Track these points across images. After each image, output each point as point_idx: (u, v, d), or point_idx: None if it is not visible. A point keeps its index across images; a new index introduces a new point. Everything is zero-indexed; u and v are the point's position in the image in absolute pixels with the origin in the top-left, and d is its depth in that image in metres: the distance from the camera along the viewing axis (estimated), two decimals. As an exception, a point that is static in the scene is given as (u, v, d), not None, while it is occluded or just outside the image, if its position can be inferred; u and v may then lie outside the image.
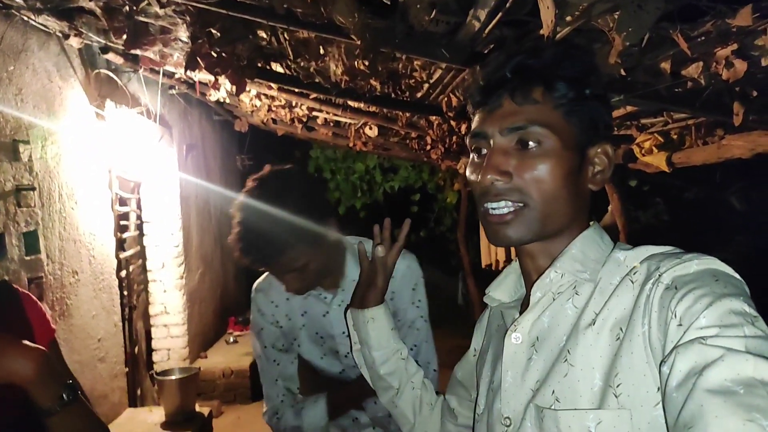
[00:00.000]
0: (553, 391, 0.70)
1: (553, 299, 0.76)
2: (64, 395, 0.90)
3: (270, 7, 1.85)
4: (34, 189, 2.54)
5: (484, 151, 0.77)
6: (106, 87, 3.29)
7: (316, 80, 2.73)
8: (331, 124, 4.49)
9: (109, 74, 3.29)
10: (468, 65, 1.85)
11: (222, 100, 4.12)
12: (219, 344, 5.27)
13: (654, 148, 2.56)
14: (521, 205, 0.73)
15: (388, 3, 1.56)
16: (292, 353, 1.55)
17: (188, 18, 2.13)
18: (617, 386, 0.65)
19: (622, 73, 1.66)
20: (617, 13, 1.30)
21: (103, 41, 2.86)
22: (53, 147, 2.71)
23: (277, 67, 2.88)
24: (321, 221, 1.33)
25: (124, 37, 2.47)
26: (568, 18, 1.42)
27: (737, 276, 0.64)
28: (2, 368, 0.86)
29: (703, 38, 1.46)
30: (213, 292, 5.48)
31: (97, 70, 3.18)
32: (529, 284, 0.80)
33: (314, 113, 4.10)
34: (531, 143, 0.72)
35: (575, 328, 0.72)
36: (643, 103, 1.87)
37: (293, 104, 3.90)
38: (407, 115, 3.23)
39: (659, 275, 0.66)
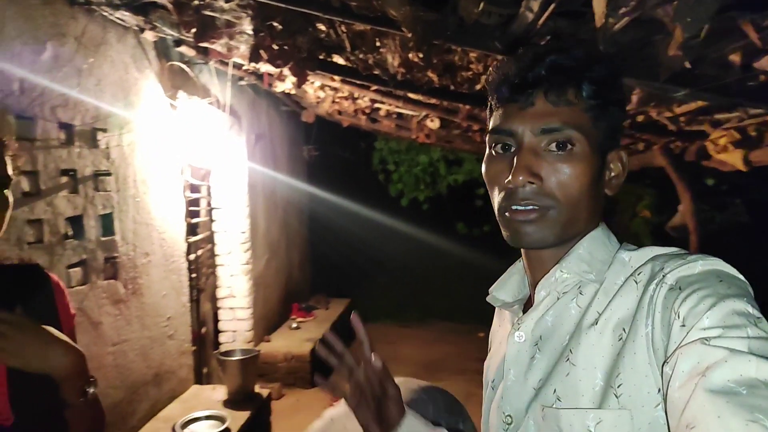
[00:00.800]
0: (555, 390, 0.71)
1: (558, 298, 0.77)
2: (87, 391, 0.97)
3: (326, 1, 1.89)
4: (110, 174, 2.72)
5: (508, 148, 0.75)
6: (179, 78, 3.46)
7: (375, 72, 2.75)
8: (394, 116, 4.51)
9: (182, 66, 3.46)
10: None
11: (288, 92, 4.24)
12: (282, 329, 5.44)
13: (729, 145, 2.40)
14: (548, 208, 0.73)
15: (439, -5, 1.56)
16: None
17: (250, 12, 2.20)
18: (618, 386, 0.65)
19: (687, 65, 1.57)
20: (675, 2, 1.23)
21: (177, 35, 3.01)
22: (129, 135, 2.89)
23: (338, 59, 2.93)
24: None
25: (193, 30, 2.59)
26: (623, 9, 1.36)
27: (741, 277, 0.64)
28: (46, 361, 0.93)
29: (775, 27, 1.35)
30: (278, 278, 5.66)
31: (170, 62, 3.35)
32: (534, 283, 0.80)
33: (376, 105, 4.13)
34: (565, 146, 0.72)
35: (578, 328, 0.72)
36: (712, 97, 1.75)
37: (356, 96, 3.95)
38: (468, 107, 3.19)
39: (663, 276, 0.66)
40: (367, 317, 7.40)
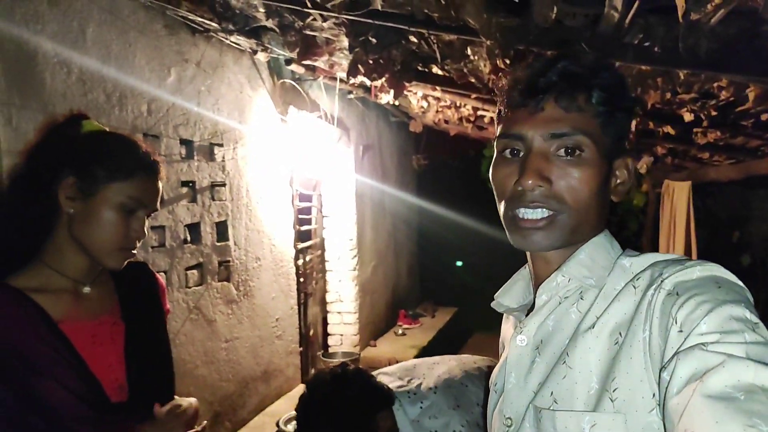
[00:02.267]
0: (552, 393, 0.72)
1: (559, 303, 0.77)
2: None
3: (411, 14, 1.94)
4: (225, 185, 2.98)
5: (517, 152, 0.77)
6: (290, 94, 3.70)
7: (471, 80, 2.75)
8: (499, 123, 4.44)
9: (293, 83, 3.69)
10: (616, 58, 1.72)
11: (392, 103, 4.35)
12: (388, 335, 5.54)
13: None
14: (556, 212, 0.74)
15: (516, 1, 1.53)
16: None
17: (344, 29, 2.31)
18: (614, 390, 0.65)
19: (803, 57, 1.41)
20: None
21: (286, 54, 3.23)
22: (243, 149, 3.15)
23: (435, 69, 2.96)
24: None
25: (297, 50, 2.76)
26: (717, 0, 1.25)
27: (740, 283, 0.64)
28: None
29: None
30: (385, 284, 5.79)
31: (282, 80, 3.59)
32: (538, 287, 0.81)
33: (480, 112, 4.10)
34: (574, 151, 0.73)
35: (576, 332, 0.73)
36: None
37: (458, 104, 3.95)
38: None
39: (661, 281, 0.66)
40: (478, 326, 7.30)
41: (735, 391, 0.51)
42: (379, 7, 1.88)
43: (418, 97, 4.00)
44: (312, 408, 1.48)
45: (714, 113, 2.39)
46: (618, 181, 0.78)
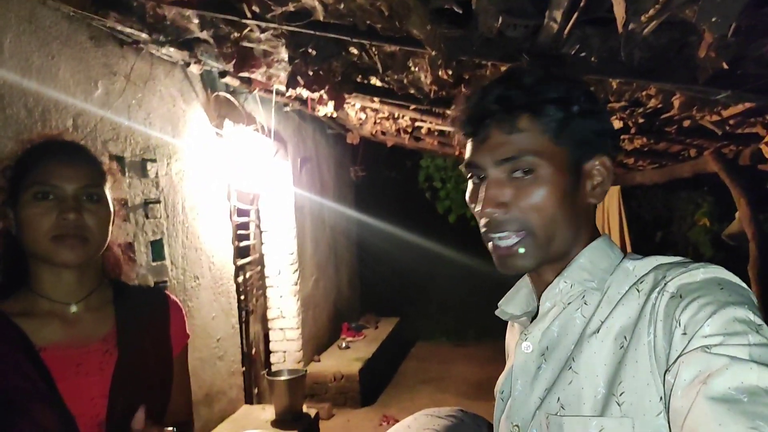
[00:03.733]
0: (559, 398, 0.71)
1: (563, 308, 0.77)
2: None
3: (353, 25, 1.92)
4: (159, 202, 2.85)
5: (483, 178, 0.78)
6: (225, 107, 3.60)
7: (411, 91, 2.77)
8: (436, 133, 4.51)
9: (227, 96, 3.59)
10: (553, 68, 1.78)
11: (331, 115, 4.32)
12: (332, 349, 5.47)
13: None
14: (524, 233, 0.75)
15: (460, 12, 1.56)
16: None
17: (284, 40, 2.27)
18: (620, 394, 0.65)
19: (725, 66, 1.50)
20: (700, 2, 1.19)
21: (221, 66, 3.14)
22: (177, 164, 3.02)
23: (375, 81, 2.97)
24: None
25: (233, 62, 2.69)
26: (651, 11, 1.32)
27: (743, 285, 0.64)
28: None
29: (815, 22, 1.28)
30: (327, 298, 5.72)
31: (216, 93, 3.49)
32: (539, 295, 0.81)
33: (417, 123, 4.15)
34: (524, 173, 0.74)
35: (581, 336, 0.73)
36: (757, 98, 1.67)
37: (396, 116, 3.98)
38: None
39: (665, 284, 0.66)
40: (420, 335, 7.34)
41: (738, 394, 0.51)
42: (321, 18, 1.86)
43: (356, 109, 4.00)
44: None
45: (641, 120, 2.52)
46: (595, 182, 0.78)
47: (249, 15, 1.88)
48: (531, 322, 0.83)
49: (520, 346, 0.80)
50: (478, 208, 0.77)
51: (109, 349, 1.11)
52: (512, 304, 0.89)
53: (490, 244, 0.78)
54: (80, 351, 1.07)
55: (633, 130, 2.66)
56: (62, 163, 1.08)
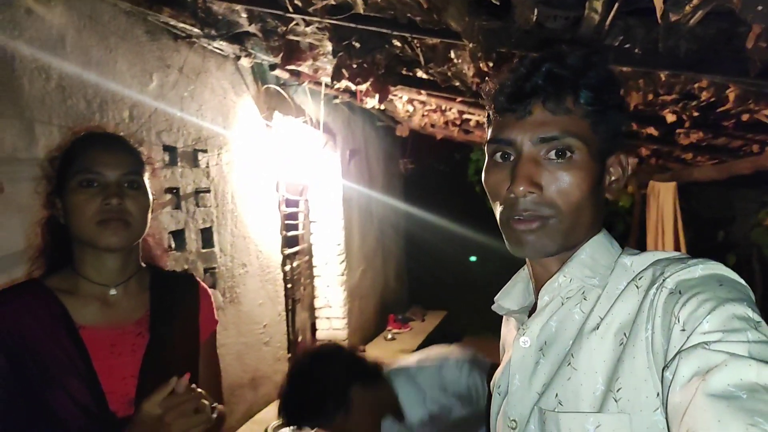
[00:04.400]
0: (557, 394, 0.71)
1: (562, 303, 0.77)
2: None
3: (394, 18, 1.93)
4: (210, 191, 2.95)
5: (508, 157, 0.76)
6: (275, 100, 3.68)
7: (455, 83, 2.75)
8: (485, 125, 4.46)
9: (277, 88, 3.68)
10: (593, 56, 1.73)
11: (379, 107, 4.35)
12: (378, 340, 5.52)
13: None
14: (551, 216, 0.73)
15: (498, 3, 1.54)
16: None
17: (327, 33, 2.30)
18: (618, 390, 0.65)
19: (779, 57, 1.42)
20: (748, -11, 1.13)
21: (270, 59, 3.21)
22: (227, 154, 3.12)
23: (420, 73, 2.97)
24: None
25: (281, 55, 2.75)
26: (695, 1, 1.26)
27: (742, 281, 0.64)
28: None
29: None
30: (374, 289, 5.77)
31: (266, 85, 3.57)
32: (538, 289, 0.81)
33: (465, 116, 4.11)
34: (564, 154, 0.72)
35: (580, 333, 0.72)
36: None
37: (444, 108, 3.96)
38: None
39: (663, 280, 0.66)
40: (468, 330, 7.30)
41: (737, 390, 0.51)
42: (362, 11, 1.87)
43: (403, 101, 4.00)
44: (290, 380, 1.55)
45: (696, 114, 2.41)
46: (612, 178, 0.78)
47: (291, 9, 1.92)
48: (528, 316, 0.83)
49: (517, 341, 0.79)
50: (505, 186, 0.75)
51: (142, 332, 1.18)
52: (509, 298, 0.88)
53: (508, 226, 0.76)
54: (115, 332, 1.14)
55: (687, 124, 2.55)
56: (105, 152, 1.15)
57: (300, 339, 4.21)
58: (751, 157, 3.08)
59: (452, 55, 2.31)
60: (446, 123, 4.45)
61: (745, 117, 2.35)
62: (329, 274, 4.80)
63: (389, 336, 5.55)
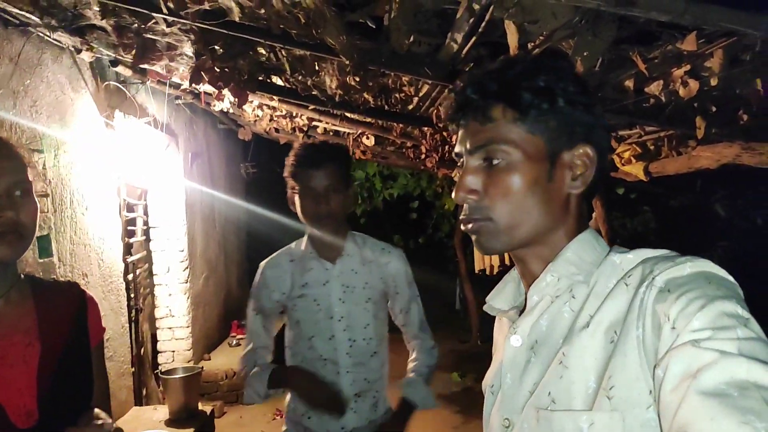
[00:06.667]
0: (549, 393, 0.72)
1: (551, 302, 0.78)
2: None
3: (267, 28, 2.01)
4: (47, 195, 2.70)
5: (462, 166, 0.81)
6: (116, 98, 3.46)
7: (314, 93, 2.88)
8: (331, 133, 4.65)
9: (118, 86, 3.46)
10: (449, 82, 2.00)
11: (226, 110, 4.29)
12: (222, 347, 5.40)
13: (632, 158, 2.70)
14: (486, 219, 0.76)
15: (373, 27, 1.72)
16: (282, 319, 1.84)
17: (192, 36, 2.28)
18: (610, 389, 0.65)
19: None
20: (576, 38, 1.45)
21: (113, 55, 3.02)
22: (65, 155, 2.88)
23: (277, 80, 3.04)
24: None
25: (133, 52, 2.63)
26: (537, 41, 1.57)
27: (731, 278, 0.65)
28: None
29: (657, 60, 1.60)
30: (217, 296, 5.63)
31: (106, 82, 3.35)
32: (527, 289, 0.82)
33: (314, 123, 4.26)
34: (494, 160, 0.75)
35: (570, 331, 0.73)
36: (613, 117, 2.01)
37: (294, 114, 4.06)
38: (400, 126, 3.38)
39: (653, 278, 0.66)
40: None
41: (728, 388, 0.51)
42: (237, 19, 1.92)
43: (253, 105, 4.02)
44: (313, 147, 1.70)
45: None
46: (577, 172, 0.77)
47: (165, 11, 1.89)
48: (519, 315, 0.83)
49: (509, 340, 0.80)
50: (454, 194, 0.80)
51: (32, 342, 1.13)
52: (499, 298, 0.89)
53: (462, 227, 0.81)
54: (2, 343, 1.09)
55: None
56: None
57: (143, 351, 3.98)
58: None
59: (316, 67, 2.44)
60: (293, 129, 4.55)
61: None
62: (171, 282, 4.60)
63: (233, 342, 5.45)
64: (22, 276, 1.23)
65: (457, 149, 0.81)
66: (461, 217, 0.81)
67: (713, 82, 1.55)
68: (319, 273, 1.76)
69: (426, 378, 1.81)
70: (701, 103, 1.84)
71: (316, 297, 1.74)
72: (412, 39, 1.72)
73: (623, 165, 2.75)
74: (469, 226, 0.78)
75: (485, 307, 0.90)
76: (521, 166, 0.75)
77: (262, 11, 1.77)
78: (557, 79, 0.76)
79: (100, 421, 1.12)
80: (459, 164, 0.82)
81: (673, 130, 2.21)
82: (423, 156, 4.12)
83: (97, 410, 1.18)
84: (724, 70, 1.54)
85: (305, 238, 1.82)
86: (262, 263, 1.89)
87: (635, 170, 2.69)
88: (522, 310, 0.84)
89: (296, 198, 1.70)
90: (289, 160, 1.72)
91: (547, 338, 0.76)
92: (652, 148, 2.61)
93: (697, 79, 1.61)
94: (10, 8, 2.29)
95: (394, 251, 1.87)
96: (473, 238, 0.80)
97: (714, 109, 1.88)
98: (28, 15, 2.35)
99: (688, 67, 1.61)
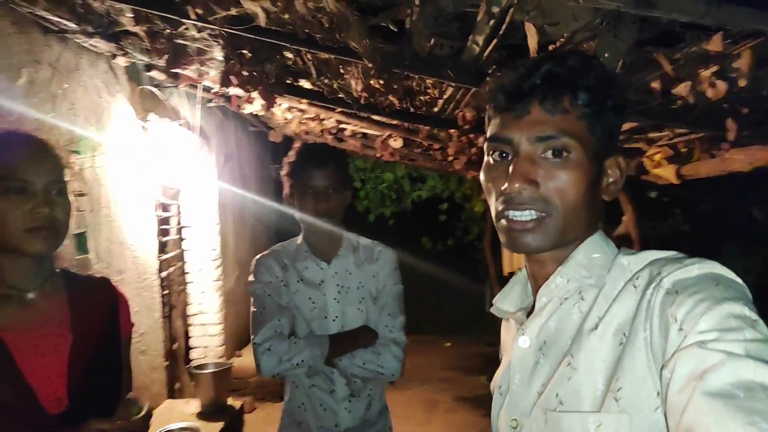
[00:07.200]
0: (557, 394, 0.72)
1: (560, 304, 0.77)
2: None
3: (293, 32, 2.05)
4: (84, 195, 2.81)
5: (506, 155, 0.76)
6: (150, 101, 3.57)
7: (340, 95, 2.92)
8: (359, 135, 4.69)
9: (153, 90, 3.57)
10: (473, 84, 2.00)
11: (256, 113, 4.37)
12: (252, 344, 5.49)
13: (664, 160, 2.64)
14: (544, 214, 0.74)
15: (395, 30, 1.74)
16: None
17: (221, 41, 2.34)
18: (618, 390, 0.65)
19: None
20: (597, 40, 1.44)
21: (147, 60, 3.12)
22: (102, 157, 2.98)
23: (305, 84, 3.09)
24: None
25: (166, 57, 2.72)
26: (558, 43, 1.56)
27: (739, 280, 0.65)
28: None
29: (681, 61, 1.57)
30: (248, 294, 5.71)
31: (141, 86, 3.45)
32: (536, 290, 0.81)
33: (342, 125, 4.30)
34: (560, 153, 0.73)
35: (579, 333, 0.73)
36: (638, 118, 1.98)
37: (322, 117, 4.11)
38: (426, 128, 3.39)
39: (660, 280, 0.66)
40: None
41: (735, 389, 0.51)
42: (263, 24, 1.97)
43: (282, 108, 4.08)
44: (313, 147, 1.77)
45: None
46: (610, 180, 0.77)
47: (193, 16, 1.95)
48: (527, 317, 0.83)
49: (517, 341, 0.80)
50: (502, 184, 0.75)
51: (64, 333, 1.20)
52: (507, 300, 0.88)
53: (503, 222, 0.76)
54: (37, 334, 1.16)
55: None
56: (31, 159, 1.14)
57: (176, 346, 4.09)
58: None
59: (341, 70, 2.47)
60: (322, 131, 4.61)
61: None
62: (204, 280, 4.70)
63: (263, 341, 5.54)
64: (57, 270, 1.30)
65: (504, 134, 0.76)
66: (499, 207, 0.76)
67: (741, 83, 1.51)
68: (314, 272, 1.77)
69: (343, 346, 1.70)
70: (731, 104, 1.80)
71: (311, 296, 1.74)
72: (433, 42, 1.73)
73: (654, 168, 2.70)
74: (526, 224, 0.74)
75: (492, 309, 0.89)
76: (585, 164, 0.74)
77: (287, 16, 1.81)
78: (611, 81, 0.76)
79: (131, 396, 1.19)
80: (493, 151, 0.78)
81: (703, 132, 2.16)
82: (450, 158, 4.12)
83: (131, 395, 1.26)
84: (753, 71, 1.51)
85: (300, 236, 1.83)
86: (255, 258, 1.93)
87: (666, 173, 2.64)
88: (530, 312, 0.84)
89: (295, 197, 1.72)
90: (289, 159, 1.74)
91: (555, 340, 0.76)
92: (683, 150, 2.55)
93: (725, 80, 1.58)
94: (49, 16, 2.39)
95: (385, 250, 1.88)
96: (507, 235, 0.76)
97: (745, 110, 1.83)
98: (66, 22, 2.46)
99: (716, 68, 1.58)
